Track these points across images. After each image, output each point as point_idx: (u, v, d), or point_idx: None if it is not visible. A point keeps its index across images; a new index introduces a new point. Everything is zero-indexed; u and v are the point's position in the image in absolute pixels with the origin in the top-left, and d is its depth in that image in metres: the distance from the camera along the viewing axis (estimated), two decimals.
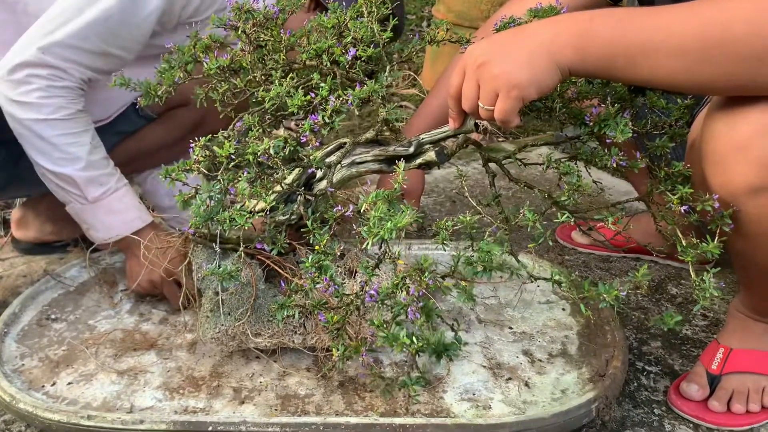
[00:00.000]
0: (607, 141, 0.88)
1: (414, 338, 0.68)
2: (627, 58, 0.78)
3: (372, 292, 0.73)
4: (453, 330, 0.81)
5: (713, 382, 1.06)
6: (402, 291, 0.71)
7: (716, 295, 0.76)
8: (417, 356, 0.71)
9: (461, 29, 2.47)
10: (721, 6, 0.75)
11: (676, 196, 0.82)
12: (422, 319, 0.69)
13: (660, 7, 0.80)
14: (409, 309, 0.69)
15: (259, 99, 0.89)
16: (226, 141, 0.84)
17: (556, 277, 0.86)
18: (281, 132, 1.63)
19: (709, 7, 0.76)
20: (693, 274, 0.80)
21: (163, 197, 1.47)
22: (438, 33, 0.96)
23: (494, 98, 0.82)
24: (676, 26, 0.76)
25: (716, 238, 0.79)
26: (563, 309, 1.21)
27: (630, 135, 0.83)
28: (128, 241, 1.16)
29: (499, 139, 2.19)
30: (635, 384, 1.13)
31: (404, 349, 0.67)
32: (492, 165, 1.04)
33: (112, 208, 1.16)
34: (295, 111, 0.82)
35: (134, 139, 1.35)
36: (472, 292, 0.74)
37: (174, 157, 1.38)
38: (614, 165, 0.88)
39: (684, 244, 0.82)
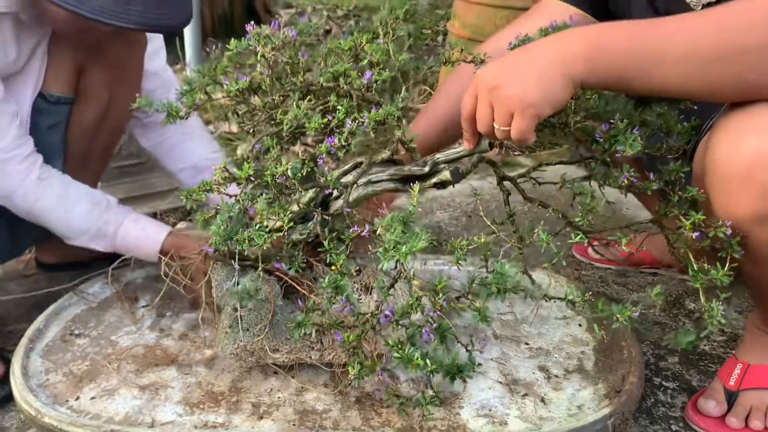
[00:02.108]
0: (617, 156, 0.89)
1: (428, 360, 0.69)
2: (638, 68, 0.80)
3: (387, 312, 0.74)
4: (467, 350, 0.82)
5: (731, 398, 1.05)
6: (417, 312, 0.72)
7: (723, 322, 0.76)
8: (432, 375, 0.72)
9: (476, 44, 2.49)
10: (724, 11, 0.78)
11: (689, 221, 0.82)
12: (437, 341, 0.70)
13: (665, 17, 0.82)
14: (423, 330, 0.70)
15: (278, 120, 0.91)
16: (245, 162, 0.86)
17: (570, 297, 0.87)
18: (297, 148, 1.64)
19: (713, 13, 0.79)
20: (703, 299, 0.80)
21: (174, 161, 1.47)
22: (453, 54, 0.97)
23: (509, 119, 0.83)
24: (682, 33, 0.78)
25: (726, 265, 0.80)
26: (579, 324, 1.21)
27: (639, 149, 0.84)
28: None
29: (515, 153, 2.20)
30: (652, 400, 1.13)
31: (419, 370, 0.68)
32: (507, 183, 1.05)
33: (126, 247, 1.22)
34: (313, 133, 0.84)
35: (73, 130, 1.31)
36: (486, 314, 0.75)
37: (123, 115, 1.35)
38: (625, 182, 0.88)
39: (695, 269, 0.83)
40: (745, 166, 0.79)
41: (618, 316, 0.78)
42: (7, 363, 1.19)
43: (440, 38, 4.08)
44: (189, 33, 2.84)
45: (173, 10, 1.05)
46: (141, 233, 1.22)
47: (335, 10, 5.00)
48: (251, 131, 1.02)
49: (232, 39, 0.92)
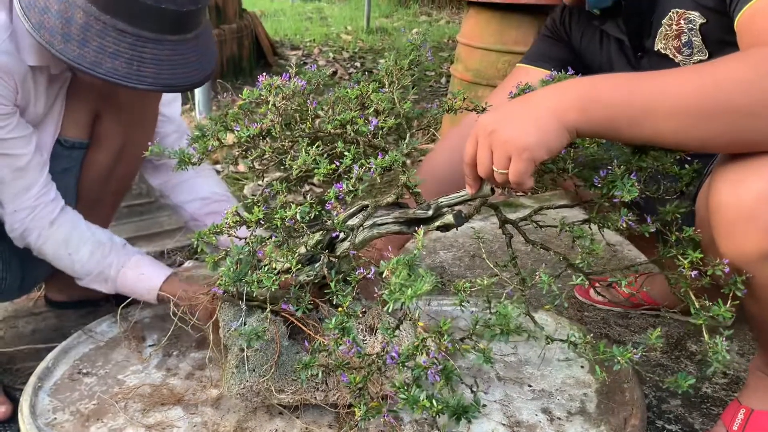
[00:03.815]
0: (614, 201, 0.91)
1: (434, 401, 0.70)
2: (630, 119, 0.83)
3: (393, 354, 0.76)
4: (472, 391, 0.83)
5: None
6: (422, 353, 0.74)
7: (728, 358, 0.77)
8: (437, 417, 0.73)
9: (478, 88, 2.56)
10: (714, 67, 0.80)
11: (686, 260, 0.84)
12: (442, 382, 0.72)
13: (659, 71, 0.85)
14: (429, 372, 0.72)
15: (287, 165, 0.94)
16: (255, 206, 0.89)
17: (572, 339, 0.89)
18: (304, 195, 1.68)
19: (704, 68, 0.81)
20: (706, 336, 0.81)
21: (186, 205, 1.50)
22: (456, 102, 1.00)
23: (507, 162, 0.86)
24: (674, 87, 0.81)
25: (729, 302, 0.81)
26: (582, 366, 1.22)
27: (636, 195, 0.87)
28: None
29: (518, 194, 2.23)
30: None
31: (425, 411, 0.70)
32: (509, 226, 1.07)
33: (125, 291, 1.25)
34: (321, 179, 0.87)
35: (86, 175, 1.34)
36: (490, 356, 0.77)
37: (136, 161, 1.38)
38: (624, 225, 0.91)
39: (697, 307, 0.84)
40: (749, 207, 0.81)
41: (619, 358, 0.79)
42: (15, 402, 1.21)
43: (443, 80, 4.16)
44: None
45: (188, 70, 1.09)
46: (138, 278, 1.25)
47: (341, 52, 5.11)
48: (260, 174, 1.05)
49: (245, 89, 0.96)
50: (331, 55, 4.96)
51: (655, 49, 1.12)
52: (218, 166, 2.50)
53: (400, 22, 6.85)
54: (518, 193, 2.24)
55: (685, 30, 1.05)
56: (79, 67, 1.02)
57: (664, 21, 1.09)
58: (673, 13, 1.07)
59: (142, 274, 1.24)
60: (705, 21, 1.03)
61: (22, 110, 1.16)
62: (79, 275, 1.25)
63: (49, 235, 1.20)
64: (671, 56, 1.10)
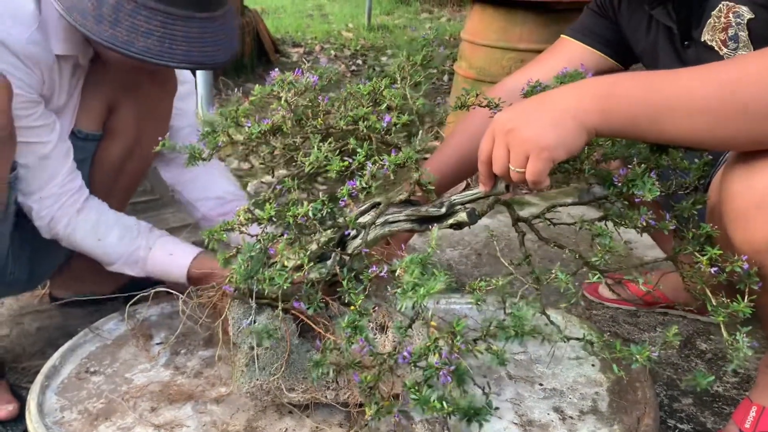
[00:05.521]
0: (636, 200, 0.90)
1: (444, 402, 0.69)
2: (650, 118, 0.82)
3: (405, 353, 0.75)
4: (484, 393, 0.82)
5: None
6: (435, 354, 0.73)
7: (750, 354, 0.76)
8: (449, 417, 0.72)
9: (483, 85, 2.54)
10: (735, 66, 0.79)
11: (705, 257, 0.83)
12: (453, 383, 0.71)
13: (679, 69, 0.84)
14: (441, 372, 0.71)
15: (298, 162, 0.93)
16: (267, 203, 0.88)
17: (588, 337, 0.88)
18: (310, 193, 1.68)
19: (725, 67, 0.80)
20: (725, 334, 0.81)
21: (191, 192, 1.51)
22: (469, 99, 1.00)
23: (525, 161, 0.86)
24: (696, 86, 0.80)
25: (746, 297, 0.81)
26: (593, 365, 1.21)
27: (658, 194, 0.86)
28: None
29: (524, 192, 2.22)
30: None
31: (436, 412, 0.69)
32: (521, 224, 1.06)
33: (155, 272, 1.26)
34: (334, 176, 0.86)
35: (98, 167, 1.34)
36: (504, 356, 0.76)
37: (148, 156, 1.38)
38: (643, 224, 0.90)
39: (714, 304, 0.83)
40: (760, 195, 0.81)
41: (637, 356, 0.78)
42: (22, 400, 1.20)
43: (446, 78, 4.15)
44: (201, 71, 2.89)
45: (215, 48, 1.09)
46: (167, 258, 1.26)
47: (342, 50, 5.09)
48: (270, 171, 1.05)
49: (257, 86, 0.95)
50: (332, 52, 4.95)
51: (702, 40, 1.11)
52: (223, 164, 2.49)
53: (401, 20, 6.84)
54: (524, 191, 2.23)
55: (733, 23, 1.04)
56: (112, 47, 1.02)
57: (713, 12, 1.08)
58: (723, 5, 1.06)
59: (171, 254, 1.26)
60: (753, 16, 1.02)
61: (46, 100, 1.16)
62: (110, 260, 1.26)
63: (78, 222, 1.22)
64: (716, 48, 1.09)
